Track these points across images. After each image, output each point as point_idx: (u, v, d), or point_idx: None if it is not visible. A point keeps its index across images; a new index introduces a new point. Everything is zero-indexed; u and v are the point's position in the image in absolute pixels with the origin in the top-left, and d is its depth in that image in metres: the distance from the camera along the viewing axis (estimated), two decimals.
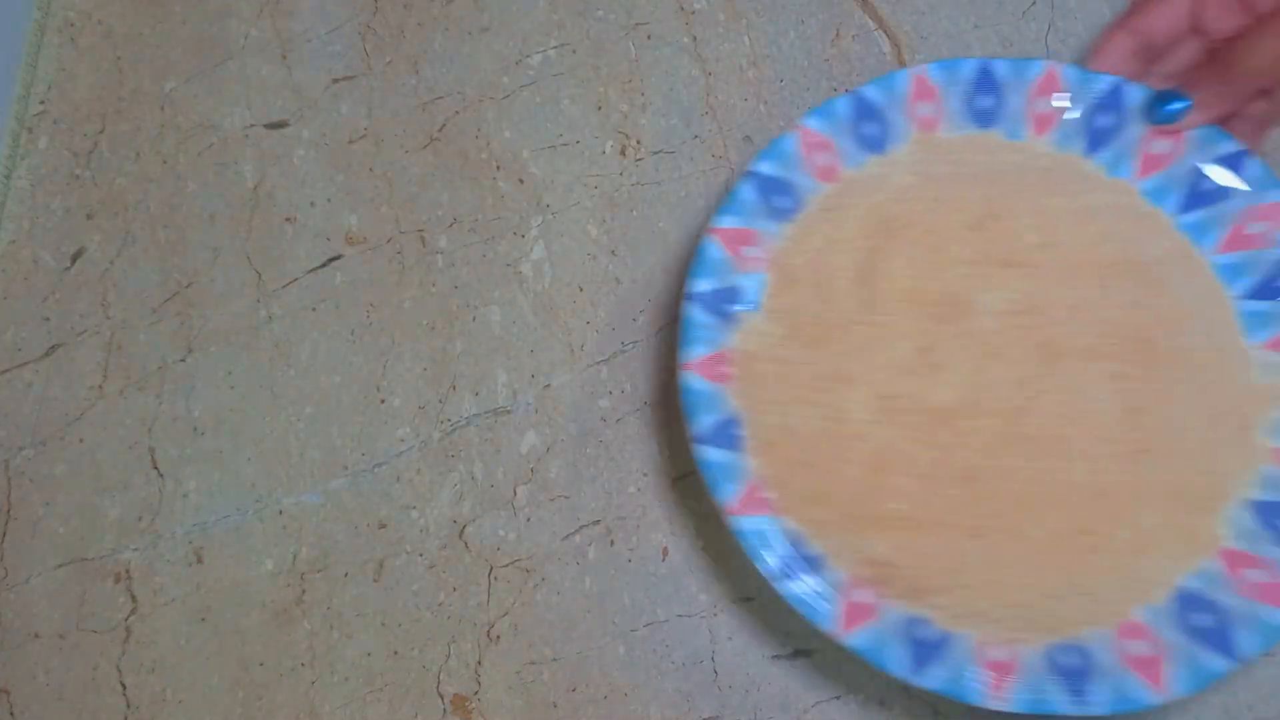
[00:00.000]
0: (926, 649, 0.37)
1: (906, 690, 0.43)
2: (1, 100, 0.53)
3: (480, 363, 0.49)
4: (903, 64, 0.51)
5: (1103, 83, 0.44)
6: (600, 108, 0.52)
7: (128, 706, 0.45)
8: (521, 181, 0.51)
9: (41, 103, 0.55)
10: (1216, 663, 0.36)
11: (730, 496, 0.39)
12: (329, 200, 0.52)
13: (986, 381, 0.41)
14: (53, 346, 0.50)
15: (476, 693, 0.44)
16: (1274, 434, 0.40)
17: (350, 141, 0.53)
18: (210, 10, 0.55)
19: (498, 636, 0.45)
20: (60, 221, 0.52)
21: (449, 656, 0.45)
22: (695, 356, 0.41)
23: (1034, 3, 0.52)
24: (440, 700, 0.44)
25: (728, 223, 0.43)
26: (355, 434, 0.48)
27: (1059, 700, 0.36)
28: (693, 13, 0.53)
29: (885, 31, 0.52)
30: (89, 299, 0.51)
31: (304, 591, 0.46)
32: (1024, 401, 0.40)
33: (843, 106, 0.45)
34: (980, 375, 0.41)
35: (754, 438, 0.41)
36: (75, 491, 0.48)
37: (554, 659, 0.44)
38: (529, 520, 0.46)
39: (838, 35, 0.52)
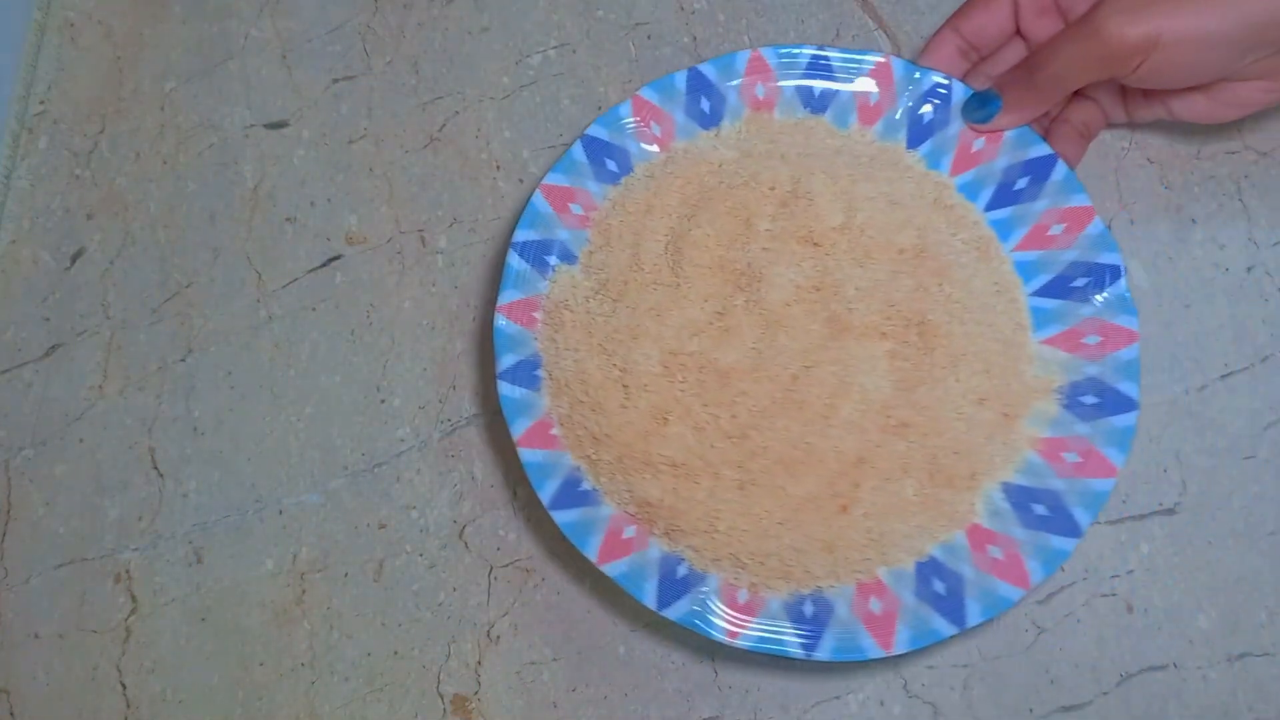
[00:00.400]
0: (676, 585, 0.40)
1: (907, 690, 0.43)
2: (1, 100, 0.53)
3: (480, 363, 0.49)
4: None
5: (930, 78, 0.46)
6: (600, 108, 0.52)
7: (128, 706, 0.45)
8: (521, 181, 0.51)
9: (41, 103, 0.55)
10: (942, 628, 0.39)
11: (521, 430, 0.42)
12: (329, 200, 0.52)
13: (770, 348, 0.43)
14: (53, 346, 0.50)
15: (476, 693, 0.44)
16: (1040, 424, 0.42)
17: (350, 141, 0.53)
18: (210, 10, 0.55)
19: (498, 637, 0.45)
20: (60, 221, 0.52)
21: (449, 656, 0.45)
22: (508, 300, 0.44)
23: None
24: (440, 700, 0.44)
25: (556, 180, 0.46)
26: (355, 434, 0.48)
27: (791, 645, 0.39)
28: (693, 13, 0.53)
29: (885, 31, 0.52)
30: (89, 299, 0.51)
31: (304, 591, 0.46)
32: (801, 370, 0.42)
33: (679, 81, 0.47)
34: (765, 342, 0.43)
35: (551, 379, 0.44)
36: (75, 491, 0.48)
37: (554, 659, 0.44)
38: (529, 520, 0.46)
39: (838, 35, 0.52)
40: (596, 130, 0.47)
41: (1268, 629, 0.43)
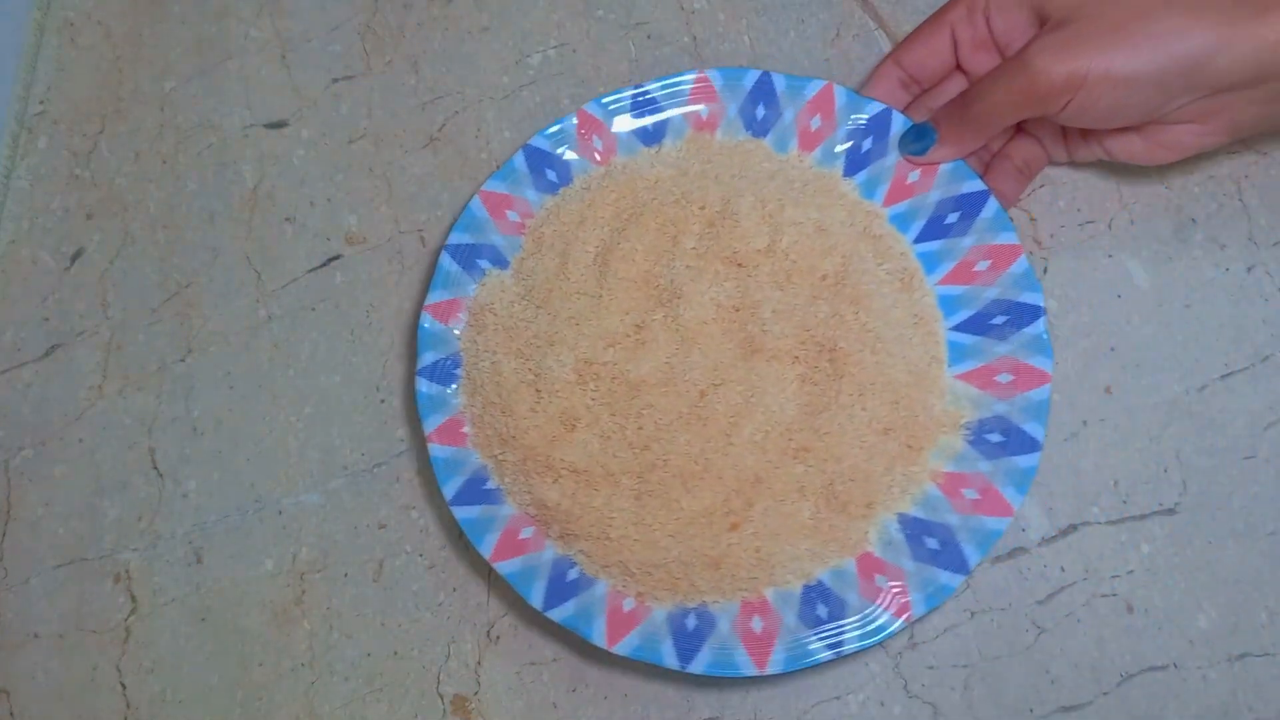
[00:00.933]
0: (565, 587, 0.41)
1: (907, 690, 0.43)
2: (1, 100, 0.53)
3: None
4: None
5: (871, 109, 0.47)
6: None
7: (127, 706, 0.45)
8: None
9: (41, 103, 0.55)
10: (818, 651, 0.40)
11: (433, 425, 0.44)
12: (329, 200, 0.52)
13: (682, 364, 0.44)
14: (52, 346, 0.50)
15: (476, 693, 0.44)
16: (943, 457, 0.43)
17: (350, 141, 0.53)
18: (210, 10, 0.55)
19: (498, 637, 0.45)
20: (60, 221, 0.52)
21: (449, 656, 0.45)
22: (436, 299, 0.46)
23: None
24: (440, 700, 0.44)
25: (495, 187, 0.47)
26: (355, 434, 0.48)
27: (668, 656, 0.40)
28: (693, 12, 0.53)
29: (885, 31, 0.52)
30: (88, 299, 0.51)
31: (304, 591, 0.46)
32: (710, 387, 0.43)
33: (626, 97, 0.48)
34: (678, 357, 0.44)
35: (467, 379, 0.45)
36: (75, 491, 0.48)
37: (554, 659, 0.44)
38: None
39: (838, 35, 0.52)
40: (539, 141, 0.48)
41: (1268, 629, 0.43)
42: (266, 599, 0.46)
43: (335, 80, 0.54)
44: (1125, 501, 0.45)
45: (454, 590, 0.45)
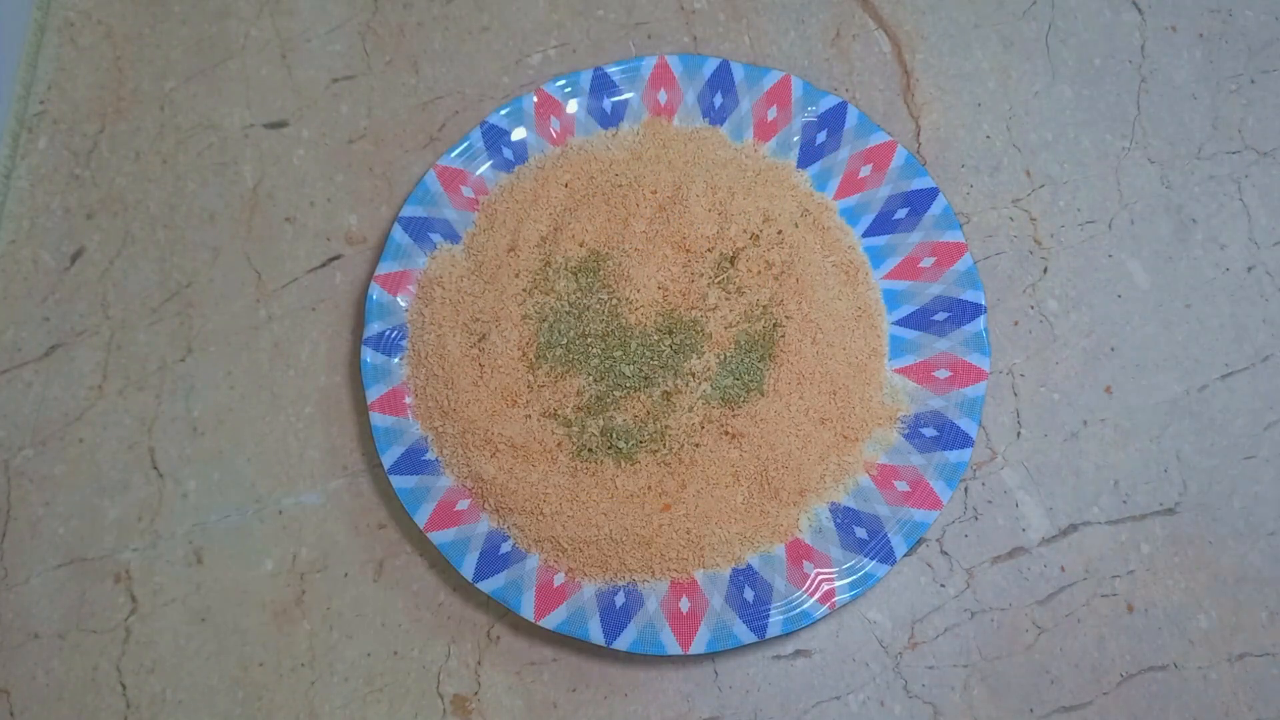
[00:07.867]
0: (497, 560, 0.42)
1: (907, 690, 0.43)
2: (1, 100, 0.53)
3: None
4: (903, 64, 0.52)
5: (826, 102, 0.48)
6: None
7: (128, 706, 0.45)
8: None
9: (41, 103, 0.55)
10: (742, 634, 0.41)
11: (375, 395, 0.45)
12: (329, 200, 0.52)
13: (623, 344, 0.45)
14: (53, 346, 0.50)
15: (476, 693, 0.44)
16: (878, 449, 0.44)
17: (350, 141, 0.53)
18: (210, 10, 0.55)
19: (498, 637, 0.45)
20: (60, 221, 0.52)
21: (449, 656, 0.45)
22: (385, 270, 0.47)
23: (1034, 3, 0.52)
24: (440, 700, 0.44)
25: (450, 162, 0.48)
26: (354, 434, 0.48)
27: (594, 631, 0.41)
28: (693, 12, 0.53)
29: (885, 31, 0.52)
30: (89, 299, 0.51)
31: (304, 591, 0.46)
32: (649, 370, 0.44)
33: (585, 79, 0.49)
34: (619, 334, 0.45)
35: (412, 350, 0.46)
36: (75, 491, 0.48)
37: (554, 659, 0.44)
38: None
39: (838, 35, 0.52)
40: (497, 119, 0.49)
41: (1268, 629, 0.43)
42: (266, 599, 0.46)
43: (335, 80, 0.54)
44: (1125, 501, 0.45)
45: (454, 590, 0.45)
